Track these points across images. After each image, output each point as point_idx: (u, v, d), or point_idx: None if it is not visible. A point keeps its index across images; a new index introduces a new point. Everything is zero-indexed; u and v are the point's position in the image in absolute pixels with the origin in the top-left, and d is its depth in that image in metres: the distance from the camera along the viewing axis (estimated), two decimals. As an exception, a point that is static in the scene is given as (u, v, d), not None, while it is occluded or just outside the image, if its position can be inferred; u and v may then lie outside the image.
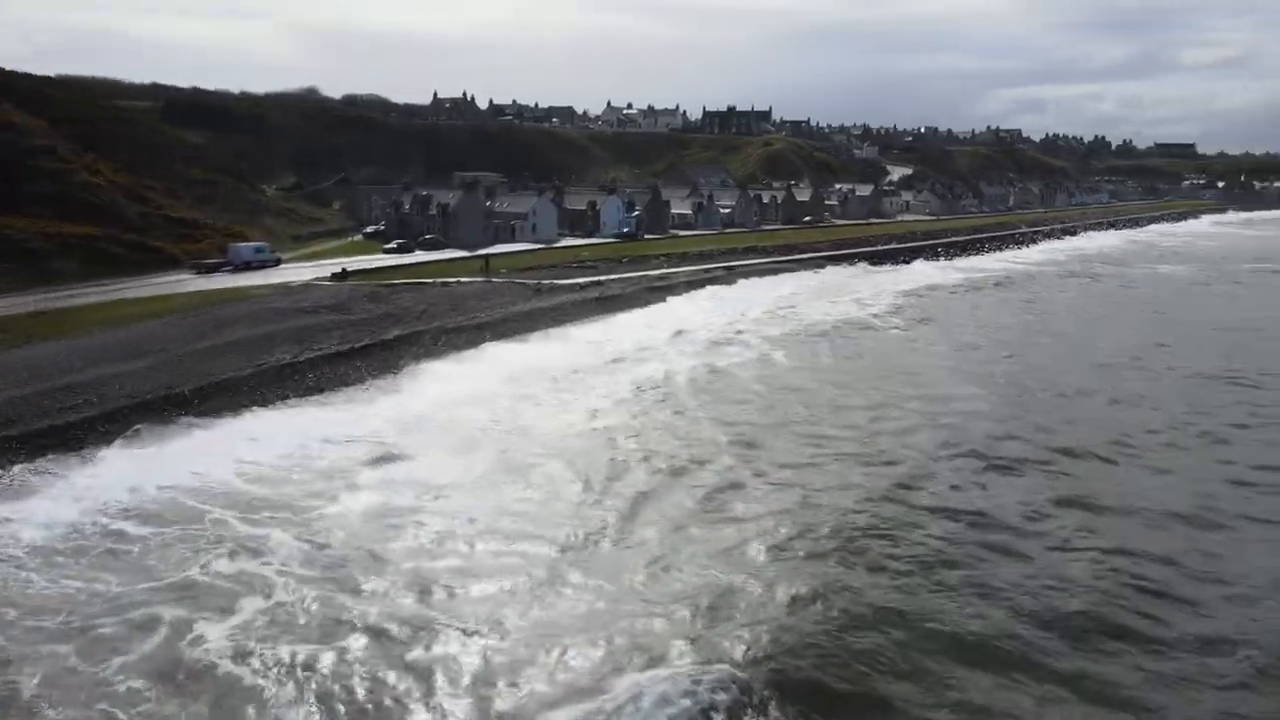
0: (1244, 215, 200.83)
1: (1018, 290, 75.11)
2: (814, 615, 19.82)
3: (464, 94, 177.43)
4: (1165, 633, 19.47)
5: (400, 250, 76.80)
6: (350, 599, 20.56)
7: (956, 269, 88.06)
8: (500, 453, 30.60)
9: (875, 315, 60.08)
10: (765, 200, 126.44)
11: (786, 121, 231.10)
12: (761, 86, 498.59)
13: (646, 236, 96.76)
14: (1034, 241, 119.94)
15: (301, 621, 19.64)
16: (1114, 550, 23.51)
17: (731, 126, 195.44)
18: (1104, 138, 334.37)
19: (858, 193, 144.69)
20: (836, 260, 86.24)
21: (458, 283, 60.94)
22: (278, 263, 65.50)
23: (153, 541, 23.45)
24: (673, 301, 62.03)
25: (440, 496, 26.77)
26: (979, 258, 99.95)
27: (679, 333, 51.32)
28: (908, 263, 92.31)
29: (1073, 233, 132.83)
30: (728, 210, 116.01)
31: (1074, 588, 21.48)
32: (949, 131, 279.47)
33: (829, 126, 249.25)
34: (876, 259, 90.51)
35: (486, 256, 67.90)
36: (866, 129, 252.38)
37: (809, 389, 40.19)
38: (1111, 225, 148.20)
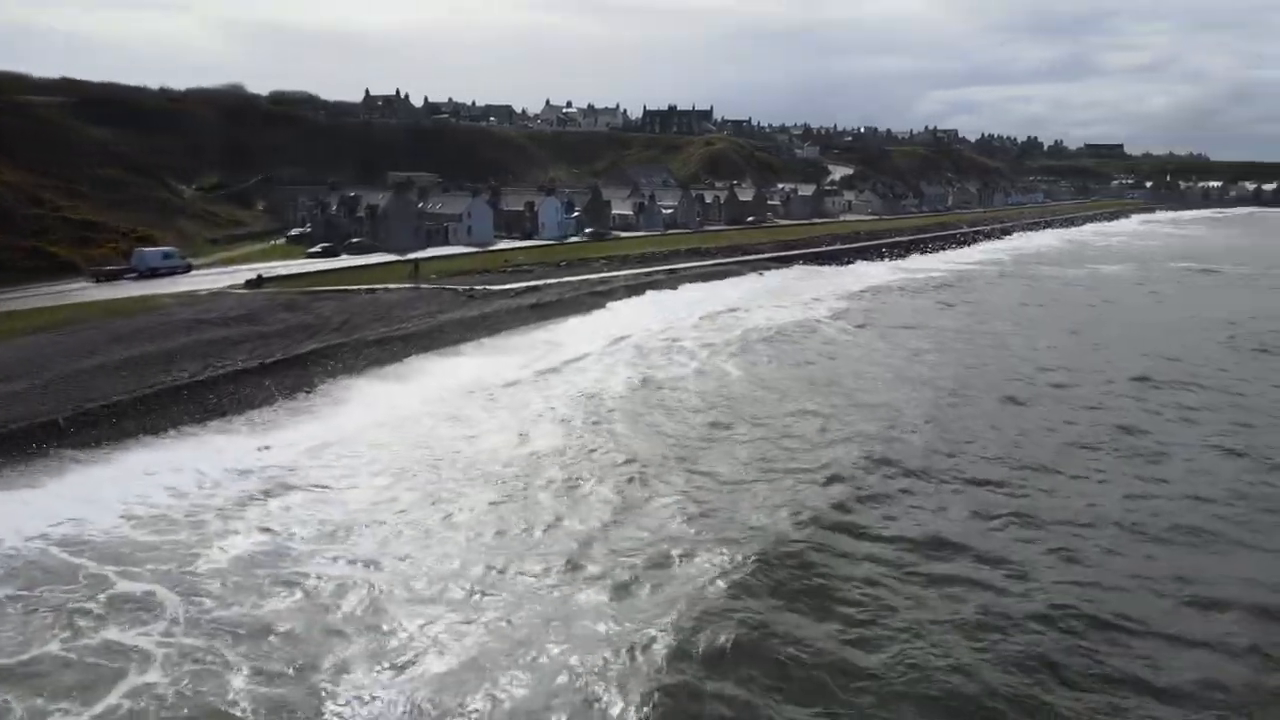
0: (1170, 215, 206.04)
1: (961, 292, 74.40)
2: (744, 676, 17.74)
3: (397, 91, 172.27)
4: (1158, 679, 17.87)
5: (325, 255, 73.06)
6: (237, 676, 17.76)
7: (901, 270, 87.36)
8: (423, 483, 27.97)
9: (820, 319, 58.47)
10: (708, 200, 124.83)
11: (728, 121, 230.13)
12: (703, 87, 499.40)
13: (583, 238, 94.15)
14: (974, 241, 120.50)
15: (182, 712, 16.77)
16: (1086, 583, 21.97)
17: (672, 126, 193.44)
18: (1036, 138, 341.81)
19: (800, 192, 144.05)
20: (781, 261, 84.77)
21: (384, 289, 57.74)
22: (188, 269, 61.38)
23: (11, 609, 20.26)
24: (613, 307, 59.58)
25: (352, 537, 24.08)
26: (922, 258, 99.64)
27: (618, 341, 49.01)
28: (852, 263, 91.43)
29: (1010, 233, 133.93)
30: (670, 211, 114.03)
31: (1049, 629, 19.80)
32: (888, 131, 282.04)
33: (770, 126, 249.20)
34: (821, 260, 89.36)
35: (416, 261, 64.68)
36: (807, 129, 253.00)
37: (753, 399, 38.21)
38: (1048, 225, 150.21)
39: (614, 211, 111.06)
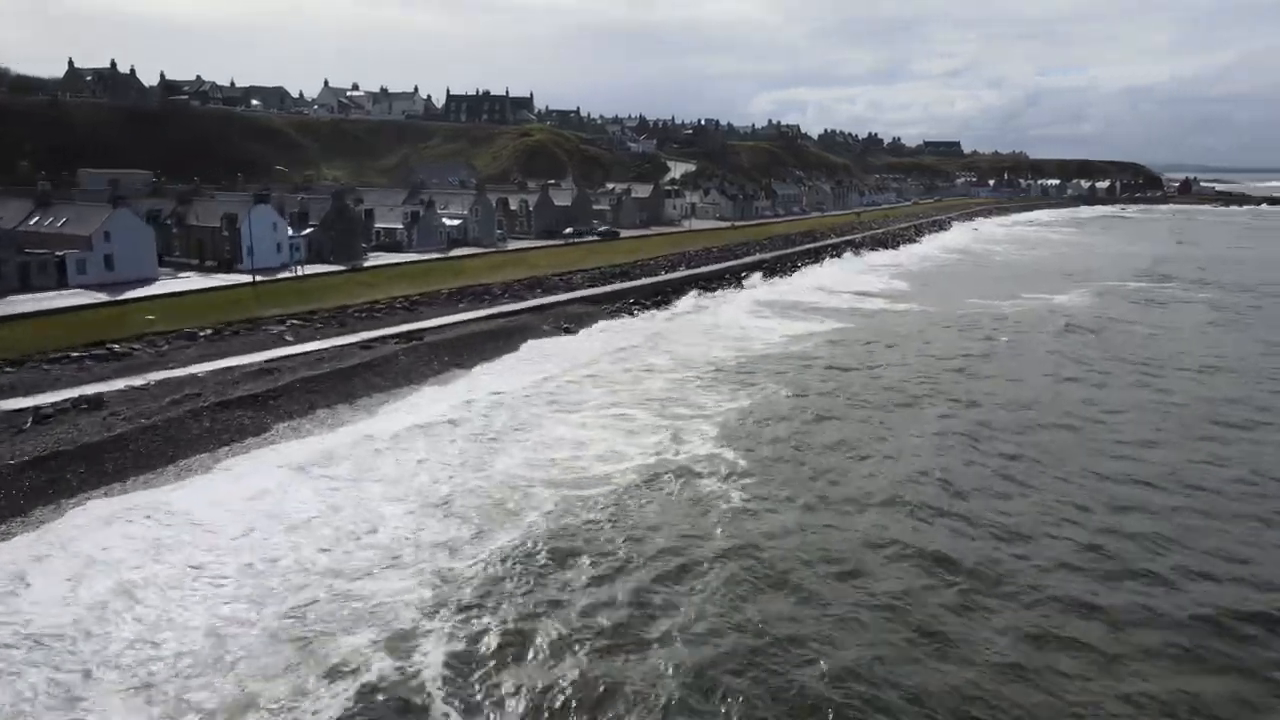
0: (1028, 215, 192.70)
1: (881, 364, 48.18)
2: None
3: (113, 64, 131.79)
4: None
5: None
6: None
7: (776, 308, 60.44)
8: None
9: (682, 470, 30.35)
10: (513, 206, 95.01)
11: (552, 111, 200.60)
12: (527, 85, 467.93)
13: (305, 270, 61.96)
14: (841, 253, 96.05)
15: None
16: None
17: (482, 114, 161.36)
18: (876, 134, 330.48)
19: (634, 194, 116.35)
20: (595, 303, 56.00)
21: None
22: None
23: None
24: (237, 459, 28.96)
25: None
26: (797, 279, 73.45)
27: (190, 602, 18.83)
28: (707, 290, 64.34)
29: (888, 243, 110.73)
30: (457, 222, 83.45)
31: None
32: (729, 125, 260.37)
33: (601, 117, 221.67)
34: (661, 296, 61.32)
35: None
36: (643, 120, 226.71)
37: None
38: (919, 231, 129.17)
39: (378, 225, 79.66)
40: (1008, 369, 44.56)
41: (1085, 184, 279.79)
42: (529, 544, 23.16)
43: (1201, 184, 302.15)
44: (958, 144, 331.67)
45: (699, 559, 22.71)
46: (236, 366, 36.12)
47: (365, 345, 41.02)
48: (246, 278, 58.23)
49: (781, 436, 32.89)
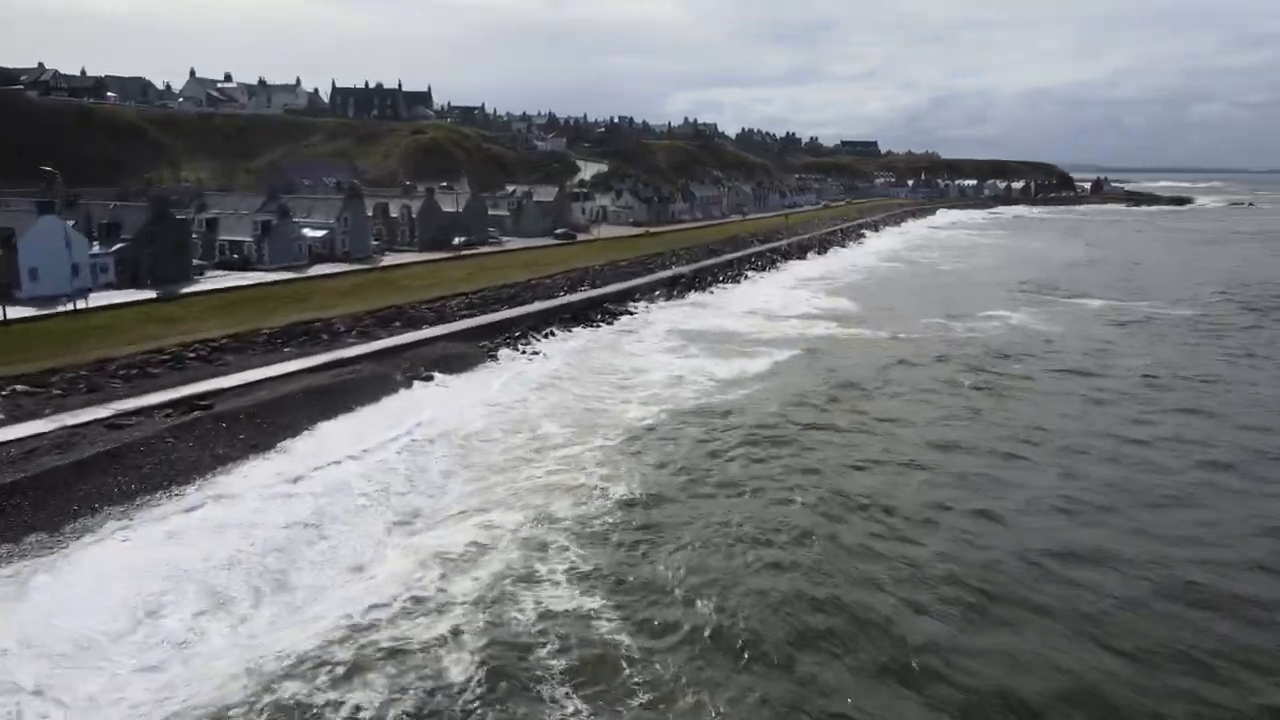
0: (950, 216, 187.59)
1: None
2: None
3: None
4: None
5: None
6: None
7: (703, 341, 49.76)
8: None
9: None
10: (395, 213, 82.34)
11: (455, 107, 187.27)
12: (433, 80, 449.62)
13: (93, 301, 48.26)
14: (766, 265, 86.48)
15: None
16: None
17: (373, 109, 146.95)
18: (794, 134, 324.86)
19: (537, 197, 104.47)
20: (472, 339, 44.38)
21: None
22: None
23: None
24: None
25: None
26: (724, 297, 63.15)
27: None
28: (615, 316, 53.51)
29: (821, 250, 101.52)
30: (322, 233, 70.47)
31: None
32: (645, 124, 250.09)
33: (508, 115, 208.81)
34: (558, 327, 50.07)
35: None
36: (552, 118, 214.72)
37: None
38: (847, 236, 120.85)
39: (224, 237, 66.27)
40: (992, 420, 34.74)
41: (1001, 184, 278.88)
42: None
43: (1111, 184, 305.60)
44: (875, 144, 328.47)
45: None
46: None
47: (115, 423, 28.57)
48: (21, 310, 44.78)
49: (712, 581, 22.04)
